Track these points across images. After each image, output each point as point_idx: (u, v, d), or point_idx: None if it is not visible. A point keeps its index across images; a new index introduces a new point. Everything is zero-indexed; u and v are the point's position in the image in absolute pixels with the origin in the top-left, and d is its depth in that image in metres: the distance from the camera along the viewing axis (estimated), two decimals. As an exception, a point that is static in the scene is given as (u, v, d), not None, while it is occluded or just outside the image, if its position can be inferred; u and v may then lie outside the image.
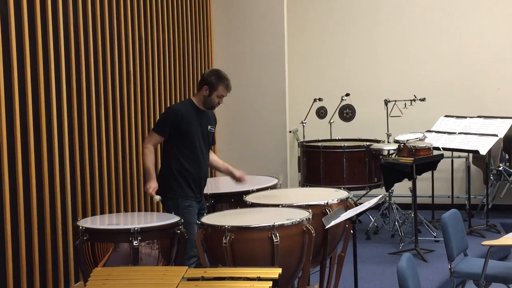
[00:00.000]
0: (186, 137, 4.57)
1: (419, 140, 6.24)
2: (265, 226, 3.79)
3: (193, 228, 4.33)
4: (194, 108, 4.63)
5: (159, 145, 4.77)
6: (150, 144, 4.58)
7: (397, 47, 7.83)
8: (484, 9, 7.60)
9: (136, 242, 3.87)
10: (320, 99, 7.46)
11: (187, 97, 6.88)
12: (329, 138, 7.29)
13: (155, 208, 6.15)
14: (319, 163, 6.62)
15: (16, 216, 4.22)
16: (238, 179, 4.83)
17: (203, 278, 3.13)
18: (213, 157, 4.92)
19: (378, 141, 6.87)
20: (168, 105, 6.44)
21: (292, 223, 3.85)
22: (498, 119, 6.64)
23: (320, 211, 4.21)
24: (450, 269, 4.53)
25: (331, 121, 7.32)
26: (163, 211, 4.66)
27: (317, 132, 7.47)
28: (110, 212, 5.33)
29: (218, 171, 5.14)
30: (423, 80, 7.68)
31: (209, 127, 4.73)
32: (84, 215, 4.92)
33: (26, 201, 4.31)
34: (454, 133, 6.75)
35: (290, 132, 7.78)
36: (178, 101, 6.66)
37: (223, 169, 4.92)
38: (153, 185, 4.49)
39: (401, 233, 6.27)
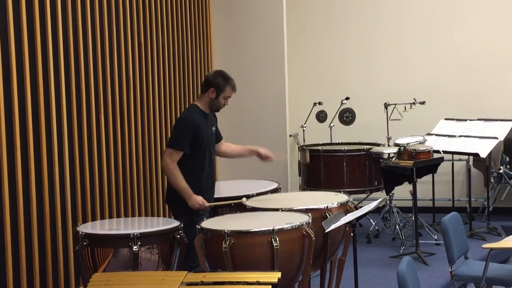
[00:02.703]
0: (201, 146, 4.53)
1: (419, 143, 6.24)
2: (264, 230, 3.78)
3: None
4: (202, 114, 4.58)
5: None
6: (175, 163, 4.43)
7: (396, 51, 7.84)
8: (483, 12, 7.60)
9: (135, 247, 3.86)
10: (320, 103, 7.46)
11: (187, 101, 6.88)
12: (329, 141, 7.30)
13: (156, 213, 6.16)
14: (320, 167, 6.62)
15: (16, 222, 4.21)
16: (263, 157, 4.76)
17: (203, 283, 3.13)
18: (231, 146, 4.85)
19: (378, 145, 6.87)
20: (168, 110, 6.45)
21: (292, 227, 3.85)
22: (498, 122, 6.63)
23: (320, 215, 4.20)
24: (450, 272, 4.52)
25: (331, 124, 7.33)
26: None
27: (317, 136, 7.47)
28: (111, 217, 5.33)
29: (242, 157, 4.98)
30: (423, 83, 7.68)
31: (213, 128, 4.72)
32: (84, 221, 4.91)
33: (26, 207, 4.31)
34: (455, 136, 6.74)
35: (290, 136, 7.78)
36: (178, 106, 6.67)
37: (247, 153, 4.85)
38: (199, 199, 4.42)
39: (402, 237, 6.26)
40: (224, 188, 5.27)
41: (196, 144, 4.50)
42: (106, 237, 4.03)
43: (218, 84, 4.54)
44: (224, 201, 4.63)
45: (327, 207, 4.26)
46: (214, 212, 4.72)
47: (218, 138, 4.86)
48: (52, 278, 4.55)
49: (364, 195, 6.98)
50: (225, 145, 4.90)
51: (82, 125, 5.01)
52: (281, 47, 7.57)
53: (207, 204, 4.45)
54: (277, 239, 3.75)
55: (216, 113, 4.83)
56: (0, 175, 4.10)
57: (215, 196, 4.82)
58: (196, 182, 4.54)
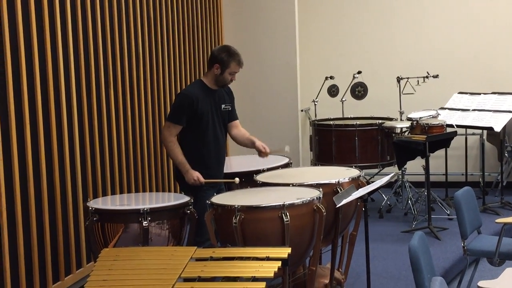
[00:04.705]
0: (201, 121, 4.47)
1: (432, 117, 6.18)
2: (275, 205, 3.75)
3: None
4: (205, 89, 4.52)
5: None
6: (172, 136, 4.44)
7: (409, 24, 7.73)
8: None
9: (145, 222, 3.85)
10: (331, 77, 7.40)
11: (197, 77, 6.84)
12: (341, 116, 7.25)
13: (166, 188, 6.16)
14: (331, 142, 6.59)
15: (26, 198, 4.21)
16: (261, 153, 4.62)
17: (212, 258, 3.11)
18: (241, 132, 4.72)
19: (390, 119, 6.81)
20: (178, 85, 6.42)
21: (303, 202, 3.81)
22: (513, 95, 6.56)
23: (331, 190, 4.16)
24: (463, 247, 4.49)
25: (343, 99, 7.27)
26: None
27: (329, 111, 7.43)
28: (121, 192, 5.32)
29: (246, 146, 4.81)
30: (436, 56, 7.58)
31: (223, 106, 4.61)
32: (95, 196, 4.91)
33: (36, 183, 4.30)
34: (468, 110, 6.67)
35: (302, 111, 7.74)
36: (188, 81, 6.63)
37: (250, 145, 4.70)
38: (195, 174, 4.41)
39: (414, 211, 6.23)
40: (235, 163, 5.24)
41: (195, 118, 4.45)
42: (116, 213, 4.02)
43: (223, 59, 4.45)
44: (220, 179, 4.57)
45: (338, 182, 4.23)
46: (229, 188, 4.68)
47: (231, 117, 4.73)
48: (63, 254, 4.56)
49: (376, 170, 6.94)
50: (237, 130, 4.74)
51: (92, 101, 4.98)
52: (292, 21, 7.49)
53: (202, 180, 4.41)
54: (287, 214, 3.72)
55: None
56: (10, 152, 4.09)
57: (226, 171, 4.78)
58: (198, 158, 4.51)
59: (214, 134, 4.56)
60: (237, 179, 4.44)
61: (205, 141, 4.53)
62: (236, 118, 4.78)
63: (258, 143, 4.64)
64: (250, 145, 4.72)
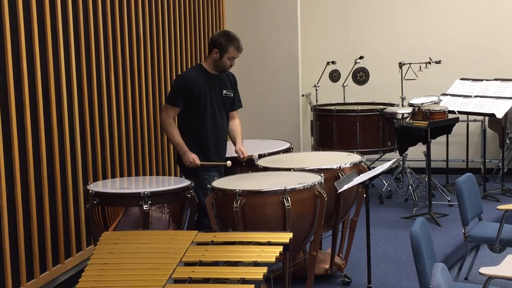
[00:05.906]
0: (199, 104, 4.48)
1: (434, 103, 6.15)
2: (276, 190, 3.75)
3: None
4: (204, 73, 4.53)
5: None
6: (170, 118, 4.50)
7: (412, 9, 7.68)
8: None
9: (146, 206, 3.85)
10: (333, 62, 7.36)
11: (198, 61, 6.81)
12: (343, 101, 7.22)
13: (167, 172, 6.14)
14: (332, 127, 6.56)
15: (26, 181, 4.19)
16: (236, 152, 4.65)
17: (213, 243, 3.10)
18: (232, 126, 4.74)
19: (392, 105, 6.79)
20: (179, 69, 6.38)
21: (304, 187, 3.81)
22: (516, 82, 6.52)
23: (332, 175, 4.16)
24: (464, 233, 4.49)
25: (345, 84, 7.24)
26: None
27: (330, 96, 7.40)
28: (122, 176, 5.31)
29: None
30: (438, 42, 7.54)
31: (224, 91, 4.61)
32: (95, 179, 4.89)
33: (36, 166, 4.28)
34: (470, 96, 6.65)
35: (303, 96, 7.71)
36: (189, 65, 6.60)
37: (232, 141, 4.79)
38: (191, 156, 4.43)
39: (415, 198, 6.22)
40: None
41: (193, 101, 4.47)
42: (117, 196, 4.02)
43: (221, 44, 4.46)
44: (213, 162, 4.57)
45: (340, 167, 4.22)
46: (226, 172, 4.68)
47: (233, 105, 4.74)
48: (63, 237, 4.55)
49: (377, 156, 6.93)
50: (231, 122, 4.75)
51: (92, 83, 4.95)
52: (294, 4, 7.44)
53: (197, 162, 4.43)
54: (289, 199, 3.72)
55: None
56: (10, 134, 4.06)
57: (226, 155, 4.77)
58: (196, 141, 4.52)
59: (212, 118, 4.55)
60: (228, 162, 4.46)
61: (203, 125, 4.53)
62: (236, 108, 4.77)
63: (238, 146, 4.65)
64: (232, 142, 4.75)
